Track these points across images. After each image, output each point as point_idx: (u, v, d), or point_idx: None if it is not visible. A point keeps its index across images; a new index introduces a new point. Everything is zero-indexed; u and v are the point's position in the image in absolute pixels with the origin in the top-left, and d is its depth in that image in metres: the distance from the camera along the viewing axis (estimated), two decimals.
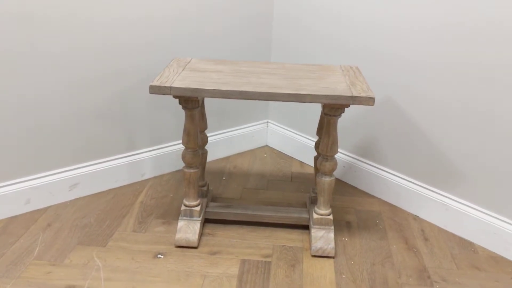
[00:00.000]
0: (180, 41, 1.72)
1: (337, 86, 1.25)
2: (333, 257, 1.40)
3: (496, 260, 1.42)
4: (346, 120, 1.80)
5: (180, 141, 1.87)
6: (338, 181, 1.86)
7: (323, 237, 1.40)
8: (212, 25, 1.78)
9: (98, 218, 1.54)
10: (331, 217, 1.41)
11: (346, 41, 1.70)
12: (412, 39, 1.51)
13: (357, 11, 1.64)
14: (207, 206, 1.52)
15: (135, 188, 1.75)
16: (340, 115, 1.28)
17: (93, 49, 1.54)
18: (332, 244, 1.39)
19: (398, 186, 1.67)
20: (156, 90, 1.21)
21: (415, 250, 1.45)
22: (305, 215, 1.50)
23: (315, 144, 1.50)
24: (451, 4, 1.39)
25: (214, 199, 1.69)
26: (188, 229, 1.41)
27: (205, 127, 1.50)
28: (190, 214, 1.43)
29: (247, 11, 1.86)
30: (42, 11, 1.40)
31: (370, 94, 1.19)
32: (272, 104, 2.11)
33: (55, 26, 1.44)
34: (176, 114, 1.82)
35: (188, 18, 1.71)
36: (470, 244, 1.50)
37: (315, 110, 1.89)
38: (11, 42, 1.38)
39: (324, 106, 1.29)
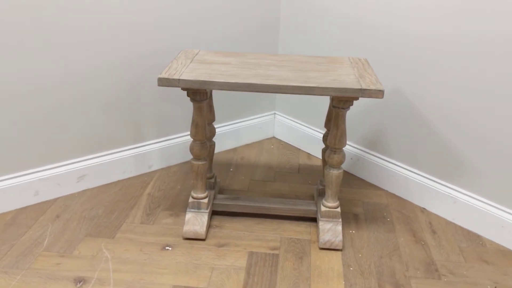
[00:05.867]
0: (188, 30, 1.72)
1: (346, 79, 1.24)
2: (340, 250, 1.40)
3: (504, 253, 1.42)
4: (354, 111, 1.79)
5: (188, 133, 1.87)
6: (345, 173, 1.86)
7: (330, 230, 1.40)
8: (219, 13, 1.78)
9: (106, 210, 1.55)
10: (339, 209, 1.41)
11: (357, 32, 1.69)
12: (424, 32, 1.50)
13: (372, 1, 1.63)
14: (214, 198, 1.52)
15: (142, 179, 1.76)
16: (348, 107, 1.28)
17: (100, 42, 1.54)
18: (340, 237, 1.39)
19: (406, 178, 1.67)
20: (164, 82, 1.20)
21: (423, 243, 1.45)
22: (313, 208, 1.50)
23: (323, 136, 1.49)
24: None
25: (221, 191, 1.70)
26: (196, 221, 1.41)
27: (213, 119, 1.50)
28: (198, 206, 1.43)
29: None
30: None
31: (379, 87, 1.18)
32: (279, 95, 2.10)
33: (61, 15, 1.44)
34: (184, 105, 1.82)
35: (195, 7, 1.70)
36: (478, 237, 1.49)
37: (323, 101, 1.88)
38: (18, 29, 1.38)
39: (332, 99, 1.28)
